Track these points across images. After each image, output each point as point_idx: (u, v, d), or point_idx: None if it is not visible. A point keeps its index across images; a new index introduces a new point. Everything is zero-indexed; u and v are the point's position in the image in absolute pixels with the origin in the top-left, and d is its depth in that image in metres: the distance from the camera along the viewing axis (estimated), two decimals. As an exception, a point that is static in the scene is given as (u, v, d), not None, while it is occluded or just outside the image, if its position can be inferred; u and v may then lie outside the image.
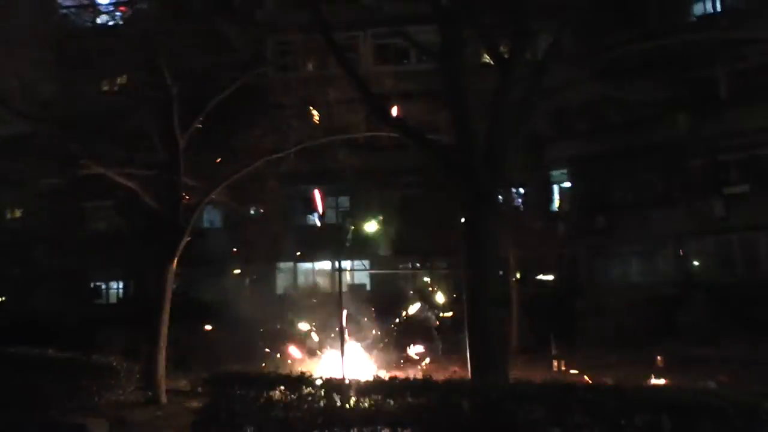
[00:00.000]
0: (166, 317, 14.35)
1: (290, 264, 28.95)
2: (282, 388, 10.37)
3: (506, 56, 10.59)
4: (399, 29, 13.24)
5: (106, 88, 17.74)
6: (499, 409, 8.22)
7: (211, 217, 28.30)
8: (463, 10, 10.40)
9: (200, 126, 15.04)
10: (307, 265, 29.12)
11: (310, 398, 10.02)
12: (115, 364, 14.17)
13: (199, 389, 12.23)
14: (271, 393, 10.41)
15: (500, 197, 21.23)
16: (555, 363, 16.92)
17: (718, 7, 24.55)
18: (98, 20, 17.80)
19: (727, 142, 23.34)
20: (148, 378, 14.13)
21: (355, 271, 23.95)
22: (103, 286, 31.24)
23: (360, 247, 24.32)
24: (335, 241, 23.33)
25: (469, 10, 10.77)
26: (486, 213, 10.36)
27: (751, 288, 21.47)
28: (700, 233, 23.58)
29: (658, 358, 16.63)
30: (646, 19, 24.27)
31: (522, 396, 8.13)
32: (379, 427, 9.21)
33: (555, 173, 26.89)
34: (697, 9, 25.25)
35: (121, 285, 31.03)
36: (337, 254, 21.24)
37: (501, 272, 21.64)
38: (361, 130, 15.94)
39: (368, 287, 26.26)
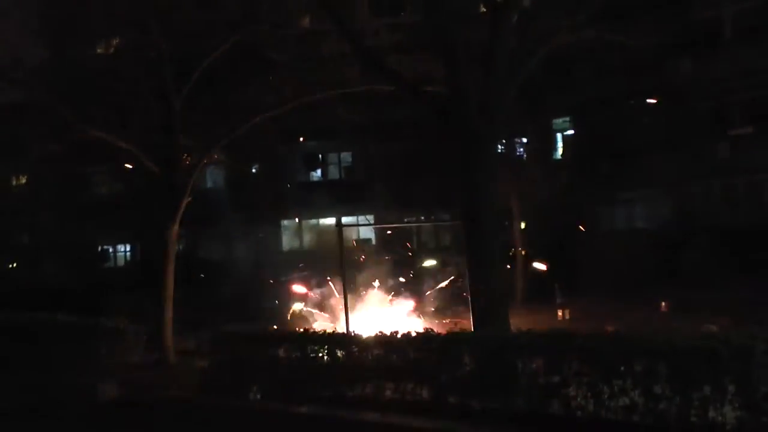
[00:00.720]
0: (170, 278, 14.44)
1: (295, 221, 29.05)
2: (286, 345, 10.52)
3: (498, 2, 10.37)
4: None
5: (98, 50, 17.53)
6: (499, 360, 8.29)
7: (214, 177, 28.33)
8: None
9: (195, 85, 14.90)
10: (312, 222, 29.19)
11: (313, 355, 10.16)
12: (122, 326, 14.34)
13: (206, 349, 12.37)
14: (276, 351, 10.56)
15: (501, 147, 21.22)
16: (560, 312, 17.00)
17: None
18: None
19: (730, 84, 22.98)
20: (156, 339, 14.29)
21: (360, 226, 23.96)
22: (111, 250, 31.50)
23: (363, 202, 24.39)
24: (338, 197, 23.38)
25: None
26: (483, 163, 10.28)
27: (755, 230, 21.40)
28: (704, 177, 23.40)
29: (663, 303, 16.70)
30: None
31: (521, 346, 8.20)
32: (382, 382, 9.34)
33: (557, 121, 26.63)
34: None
35: (128, 248, 31.28)
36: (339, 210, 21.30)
37: (506, 223, 21.78)
38: (358, 85, 15.74)
39: (373, 242, 26.33)
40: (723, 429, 6.65)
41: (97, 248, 31.07)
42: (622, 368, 7.30)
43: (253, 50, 15.85)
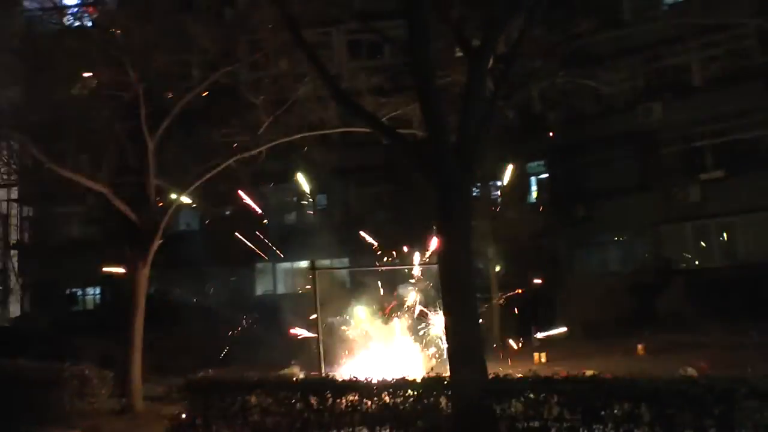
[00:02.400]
0: (140, 322, 14.09)
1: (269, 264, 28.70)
2: (259, 391, 10.23)
3: (475, 47, 10.44)
4: (368, 24, 13.04)
5: (72, 91, 17.39)
6: (477, 405, 8.11)
7: (187, 219, 28.00)
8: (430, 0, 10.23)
9: (170, 126, 14.78)
10: (286, 265, 28.89)
11: (287, 401, 9.88)
12: (87, 372, 13.87)
13: (175, 395, 12.00)
14: (248, 397, 10.26)
15: (476, 191, 21.28)
16: (536, 355, 16.87)
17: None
18: (64, 21, 17.41)
19: (701, 129, 23.49)
20: (123, 385, 13.86)
21: (334, 269, 23.73)
22: (79, 293, 30.79)
23: (338, 245, 24.20)
24: (313, 239, 23.18)
25: (437, 1, 10.62)
26: (458, 206, 10.21)
27: (728, 273, 21.60)
28: (677, 220, 23.68)
29: (639, 346, 16.66)
30: (620, 7, 24.40)
31: (500, 391, 8.03)
32: (357, 428, 9.09)
33: (532, 165, 26.88)
34: (668, -3, 25.40)
35: (97, 291, 30.62)
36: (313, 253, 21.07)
37: (480, 266, 21.70)
38: (334, 127, 15.76)
39: (348, 285, 26.10)
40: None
41: (65, 290, 30.37)
42: (603, 412, 7.17)
43: (229, 92, 15.82)
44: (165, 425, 11.05)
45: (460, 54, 12.40)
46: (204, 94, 14.94)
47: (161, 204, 14.73)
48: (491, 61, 10.76)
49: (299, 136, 15.84)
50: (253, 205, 20.61)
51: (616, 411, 7.11)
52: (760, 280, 19.59)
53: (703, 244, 23.60)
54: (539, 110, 20.24)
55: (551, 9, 12.63)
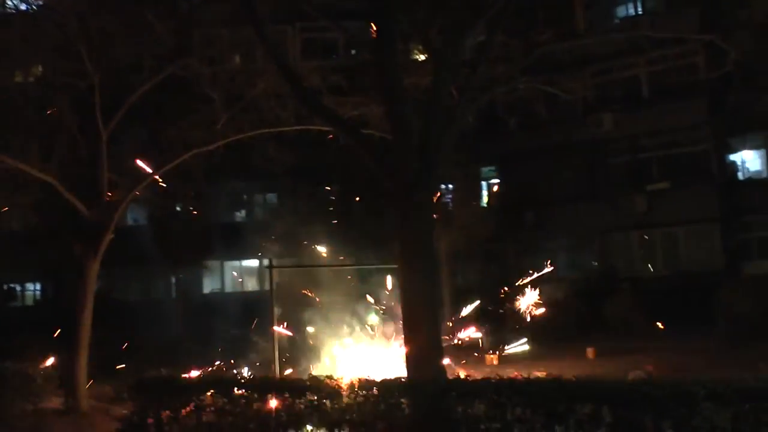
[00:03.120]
0: (88, 320, 13.67)
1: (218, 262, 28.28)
2: (213, 392, 10.02)
3: (441, 51, 10.49)
4: (332, 22, 12.95)
5: (20, 78, 16.77)
6: (439, 407, 8.10)
7: (135, 214, 27.35)
8: (396, 2, 10.22)
9: (124, 119, 14.41)
10: (234, 263, 28.50)
11: (243, 401, 9.70)
12: (30, 371, 13.39)
13: (125, 395, 11.66)
14: (201, 397, 10.03)
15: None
16: (488, 357, 17.03)
17: (640, 10, 25.38)
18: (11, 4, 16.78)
19: (648, 141, 24.16)
20: (68, 384, 13.42)
21: (285, 268, 23.46)
22: (18, 288, 29.71)
23: (289, 245, 23.95)
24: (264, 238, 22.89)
25: (403, 3, 10.62)
26: (419, 209, 10.22)
27: (671, 281, 22.27)
28: (624, 228, 24.28)
29: (589, 349, 16.99)
30: (574, 19, 24.91)
31: (462, 392, 8.04)
32: (315, 429, 8.98)
33: (484, 170, 27.19)
34: (620, 11, 26.04)
35: (38, 286, 29.62)
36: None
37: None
38: (291, 125, 15.60)
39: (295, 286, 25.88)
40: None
41: (2, 286, 29.25)
42: (565, 413, 7.24)
43: (185, 86, 15.51)
44: (113, 426, 10.74)
45: (424, 57, 12.46)
46: (160, 88, 14.60)
47: (113, 198, 14.33)
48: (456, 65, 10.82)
49: (256, 132, 15.64)
50: (204, 202, 20.23)
51: (578, 413, 7.18)
52: (701, 289, 20.23)
53: (647, 252, 24.25)
54: (495, 115, 20.51)
55: (514, 18, 12.83)
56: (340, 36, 18.09)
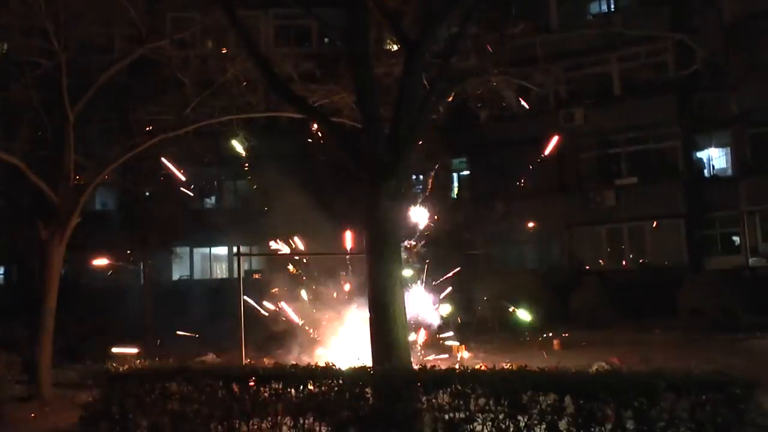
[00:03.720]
0: (52, 305, 13.46)
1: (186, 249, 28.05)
2: (179, 379, 9.95)
3: (413, 41, 10.48)
4: (306, 8, 12.86)
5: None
6: (403, 396, 8.14)
7: (104, 198, 27.01)
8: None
9: (92, 101, 14.17)
10: (204, 250, 28.29)
11: (209, 389, 9.65)
12: (-8, 356, 13.17)
13: (90, 381, 11.51)
14: (168, 385, 9.96)
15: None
16: (455, 348, 17.11)
17: (613, 7, 25.62)
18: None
19: (617, 136, 24.44)
20: (32, 371, 13.22)
21: (254, 256, 23.39)
22: (-20, 272, 29.21)
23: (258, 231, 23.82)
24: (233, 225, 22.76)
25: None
26: (387, 198, 10.24)
27: (637, 275, 22.61)
28: (592, 222, 24.56)
29: (555, 341, 17.19)
30: (548, 14, 25.06)
31: (426, 382, 8.09)
32: (279, 418, 8.98)
33: (455, 161, 27.28)
34: (594, 7, 26.26)
35: (1, 270, 29.12)
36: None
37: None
38: (262, 111, 15.48)
39: (265, 273, 25.78)
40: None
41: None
42: (528, 403, 7.34)
43: (155, 68, 15.30)
44: (78, 413, 10.62)
45: (396, 47, 12.44)
46: (130, 70, 14.38)
47: (80, 181, 14.10)
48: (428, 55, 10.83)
49: (226, 118, 15.49)
50: (179, 183, 19.98)
51: (541, 402, 7.28)
52: (666, 283, 20.60)
53: (615, 246, 24.57)
54: (466, 107, 20.57)
55: (488, 10, 12.87)
56: (313, 24, 17.94)
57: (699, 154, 24.68)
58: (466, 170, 27.86)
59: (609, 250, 24.64)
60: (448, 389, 7.86)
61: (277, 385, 9.16)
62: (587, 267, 23.76)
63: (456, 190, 27.88)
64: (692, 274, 21.91)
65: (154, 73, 15.44)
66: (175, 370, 10.41)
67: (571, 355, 15.21)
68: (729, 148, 24.11)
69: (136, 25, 14.30)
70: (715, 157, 24.74)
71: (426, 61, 10.79)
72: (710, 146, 24.57)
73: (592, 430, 6.94)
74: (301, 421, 8.78)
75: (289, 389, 9.06)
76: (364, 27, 9.88)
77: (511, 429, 7.35)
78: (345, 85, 13.77)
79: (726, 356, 12.50)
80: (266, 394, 9.18)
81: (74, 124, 13.64)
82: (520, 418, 7.34)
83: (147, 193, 23.28)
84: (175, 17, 16.94)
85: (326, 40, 25.09)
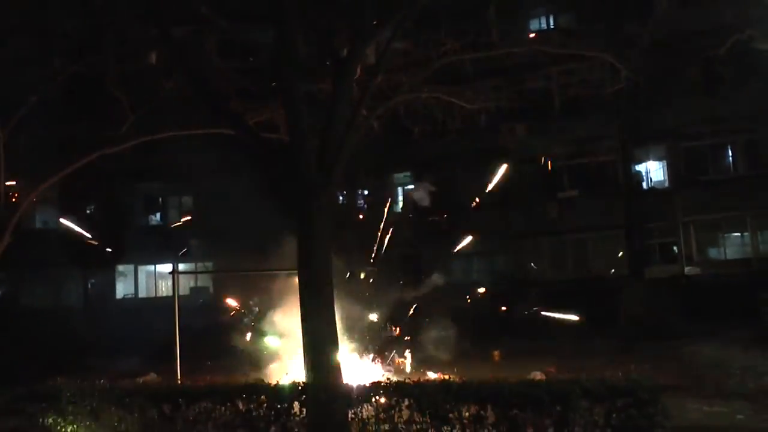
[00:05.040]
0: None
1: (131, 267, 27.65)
2: (109, 400, 9.82)
3: (342, 58, 10.58)
4: (230, 24, 12.89)
5: None
6: (330, 410, 8.18)
7: (44, 217, 26.45)
8: (296, 8, 10.26)
9: (26, 117, 13.90)
10: (149, 268, 27.91)
11: (140, 409, 9.54)
12: None
13: (17, 406, 11.22)
14: (95, 405, 9.81)
15: (341, 198, 21.43)
16: (398, 361, 17.16)
17: (552, 24, 26.26)
18: None
19: (559, 150, 24.96)
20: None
21: (192, 274, 23.17)
22: None
23: (203, 249, 23.65)
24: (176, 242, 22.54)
25: (303, 9, 10.66)
26: (316, 214, 10.26)
27: (580, 284, 23.05)
28: (536, 234, 24.99)
29: (495, 352, 17.39)
30: (487, 29, 25.46)
31: (351, 396, 8.16)
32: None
33: (399, 175, 27.50)
34: (534, 24, 26.86)
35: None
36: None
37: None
38: (200, 127, 15.37)
39: (211, 290, 25.57)
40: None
41: None
42: (451, 415, 7.46)
43: (93, 85, 15.09)
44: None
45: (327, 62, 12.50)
46: (67, 85, 14.15)
47: (13, 200, 13.79)
48: (358, 72, 10.92)
49: (165, 135, 15.33)
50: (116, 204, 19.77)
51: (463, 413, 7.41)
52: (607, 292, 21.05)
53: (558, 257, 25.04)
54: (405, 123, 20.75)
55: (421, 27, 13.04)
56: (243, 40, 17.97)
57: (637, 167, 25.37)
58: (411, 184, 28.09)
59: (552, 261, 25.11)
60: (373, 402, 7.95)
61: (206, 404, 9.13)
62: (531, 278, 24.15)
63: (401, 204, 28.04)
64: (632, 283, 22.45)
65: (91, 89, 15.24)
66: (105, 389, 10.28)
67: (509, 365, 15.42)
68: (665, 161, 24.85)
69: (71, 39, 14.10)
70: (653, 170, 25.47)
71: (356, 78, 10.89)
72: (648, 159, 25.30)
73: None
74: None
75: (218, 407, 9.05)
76: (289, 43, 9.95)
77: (435, 440, 7.47)
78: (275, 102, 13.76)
79: (657, 363, 12.83)
80: (195, 413, 9.14)
81: (5, 143, 13.35)
82: (443, 428, 7.47)
83: (89, 211, 22.95)
84: (113, 30, 16.76)
85: (250, 59, 25.10)
